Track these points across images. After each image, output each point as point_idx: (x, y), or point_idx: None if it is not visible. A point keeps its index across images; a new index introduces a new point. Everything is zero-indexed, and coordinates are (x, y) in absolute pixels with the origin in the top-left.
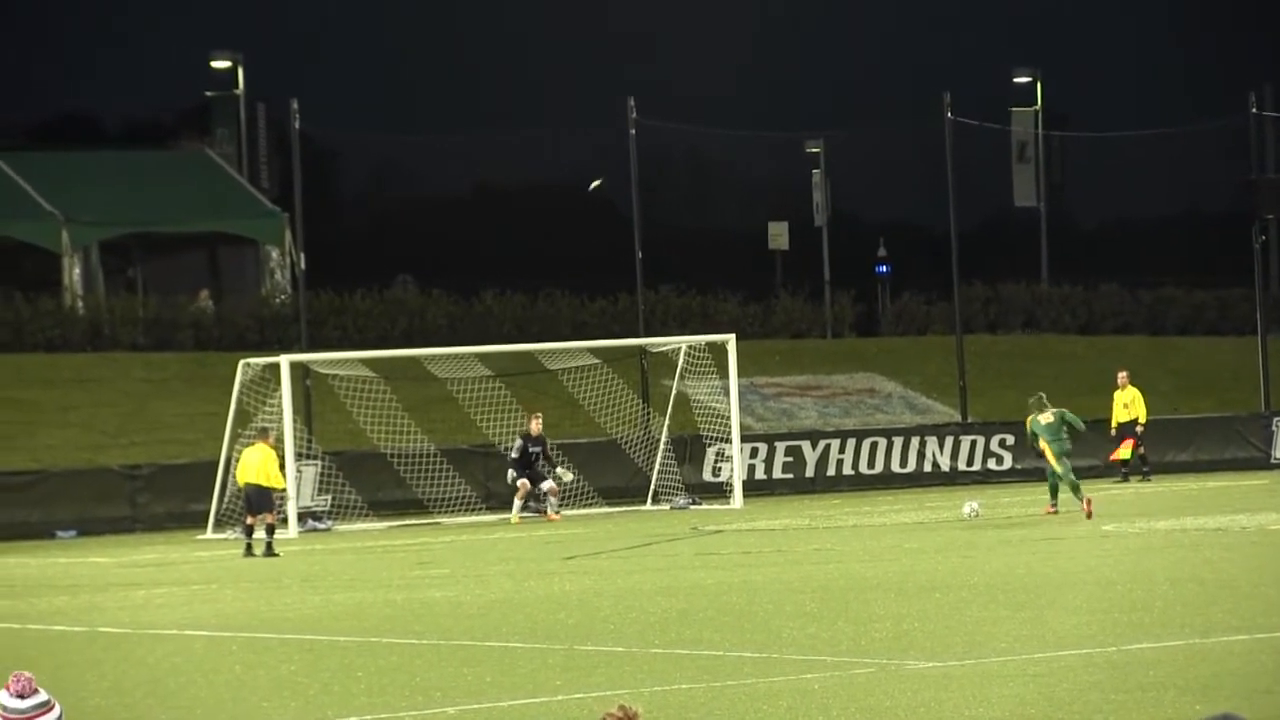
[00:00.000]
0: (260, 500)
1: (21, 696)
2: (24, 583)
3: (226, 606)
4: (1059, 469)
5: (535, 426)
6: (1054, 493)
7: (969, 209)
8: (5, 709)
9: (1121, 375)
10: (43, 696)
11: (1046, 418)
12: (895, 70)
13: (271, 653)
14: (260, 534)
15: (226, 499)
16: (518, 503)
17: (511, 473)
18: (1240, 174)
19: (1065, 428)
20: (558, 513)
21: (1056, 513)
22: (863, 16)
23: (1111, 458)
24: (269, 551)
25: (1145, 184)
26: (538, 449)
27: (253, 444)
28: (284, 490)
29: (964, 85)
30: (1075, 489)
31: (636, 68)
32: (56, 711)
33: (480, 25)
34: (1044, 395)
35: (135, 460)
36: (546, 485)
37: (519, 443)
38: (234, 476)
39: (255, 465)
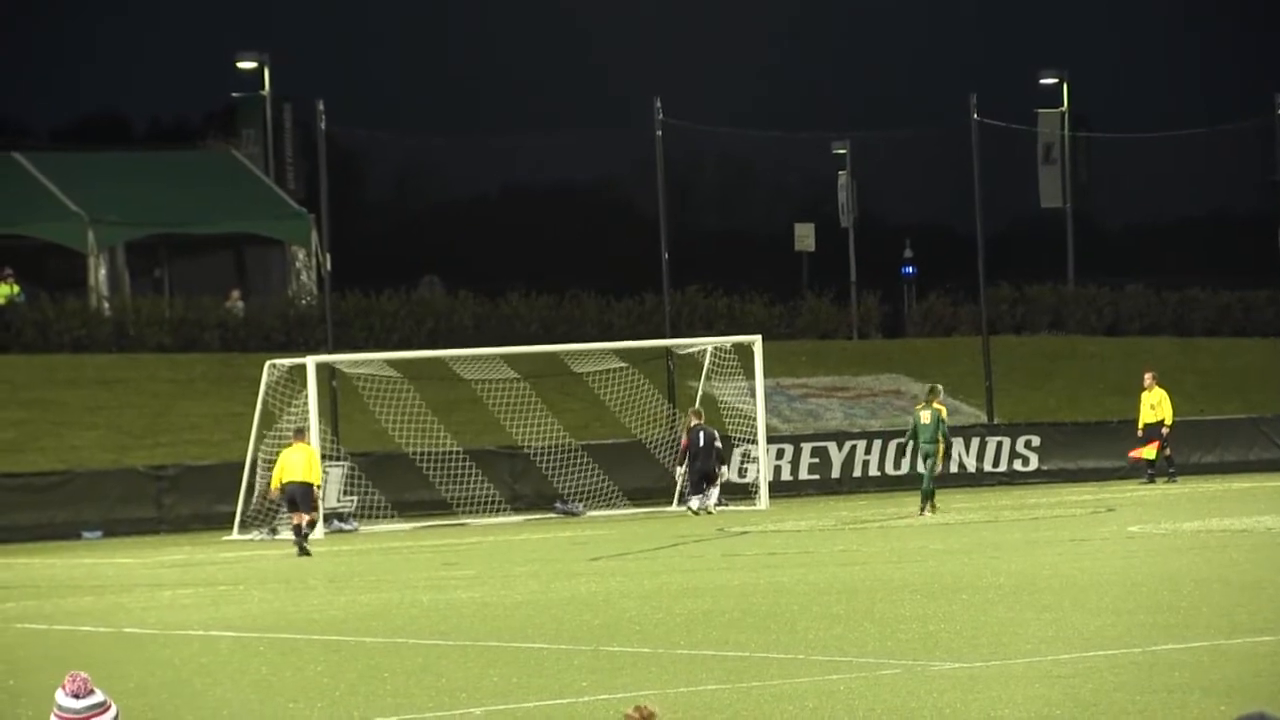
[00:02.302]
0: (306, 498)
1: (77, 696)
2: (50, 583)
3: (253, 607)
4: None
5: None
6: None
7: (995, 210)
8: (61, 709)
9: (1148, 376)
10: (98, 697)
11: (925, 416)
12: (922, 72)
13: (298, 654)
14: (305, 529)
15: (255, 500)
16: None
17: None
18: (1265, 175)
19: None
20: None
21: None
22: (889, 18)
23: (1133, 454)
24: (303, 551)
25: (1171, 185)
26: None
27: (292, 445)
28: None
29: (990, 87)
30: (929, 494)
31: (664, 68)
32: (112, 712)
33: (508, 26)
34: (940, 388)
35: (161, 461)
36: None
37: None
38: (271, 479)
39: (302, 464)
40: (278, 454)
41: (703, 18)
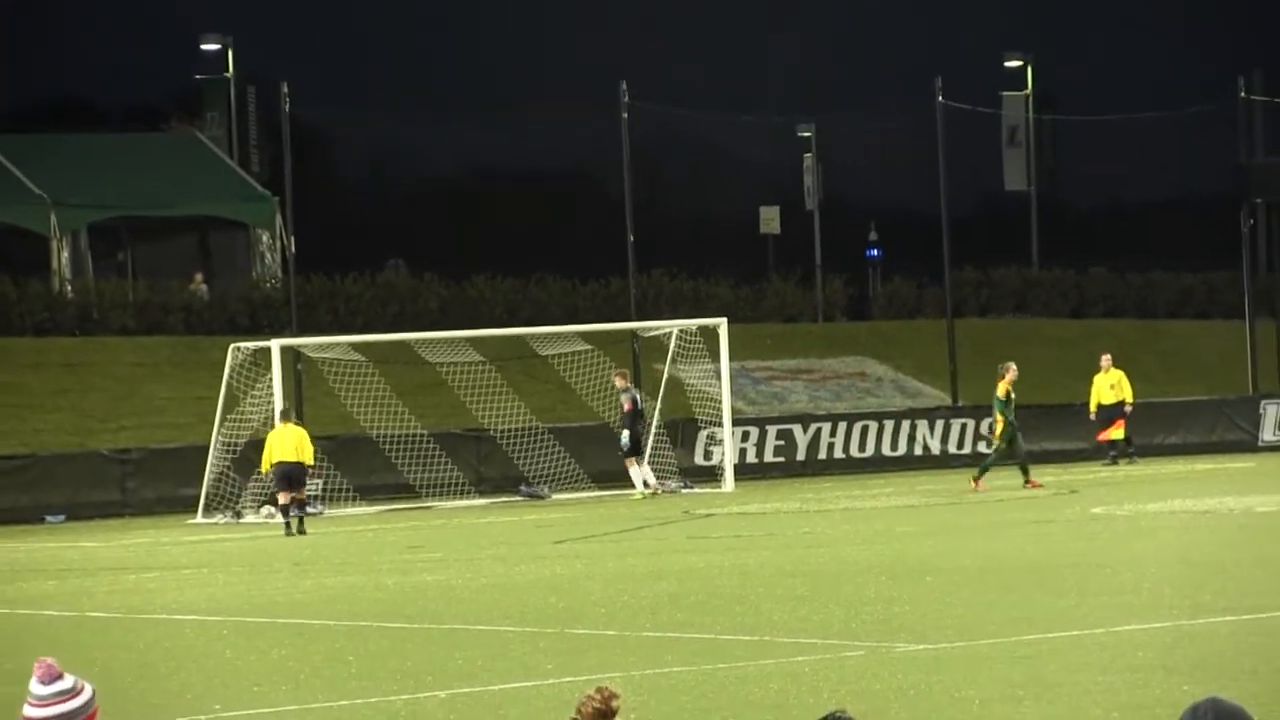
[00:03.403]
0: (298, 477)
1: (43, 683)
2: (13, 567)
3: (217, 591)
4: (1005, 445)
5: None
6: (985, 470)
7: (960, 193)
8: (31, 695)
9: (1105, 358)
10: (66, 682)
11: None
12: (887, 55)
13: (262, 637)
14: (294, 510)
15: (214, 481)
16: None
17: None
18: (1229, 158)
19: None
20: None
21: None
22: (854, 1)
23: (1100, 437)
24: (301, 528)
25: (1135, 168)
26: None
27: (278, 427)
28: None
29: (955, 70)
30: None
31: (630, 51)
32: (85, 695)
33: (473, 8)
34: (1000, 366)
35: (125, 444)
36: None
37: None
38: (261, 460)
39: (292, 443)
40: (252, 436)
41: (669, 0)
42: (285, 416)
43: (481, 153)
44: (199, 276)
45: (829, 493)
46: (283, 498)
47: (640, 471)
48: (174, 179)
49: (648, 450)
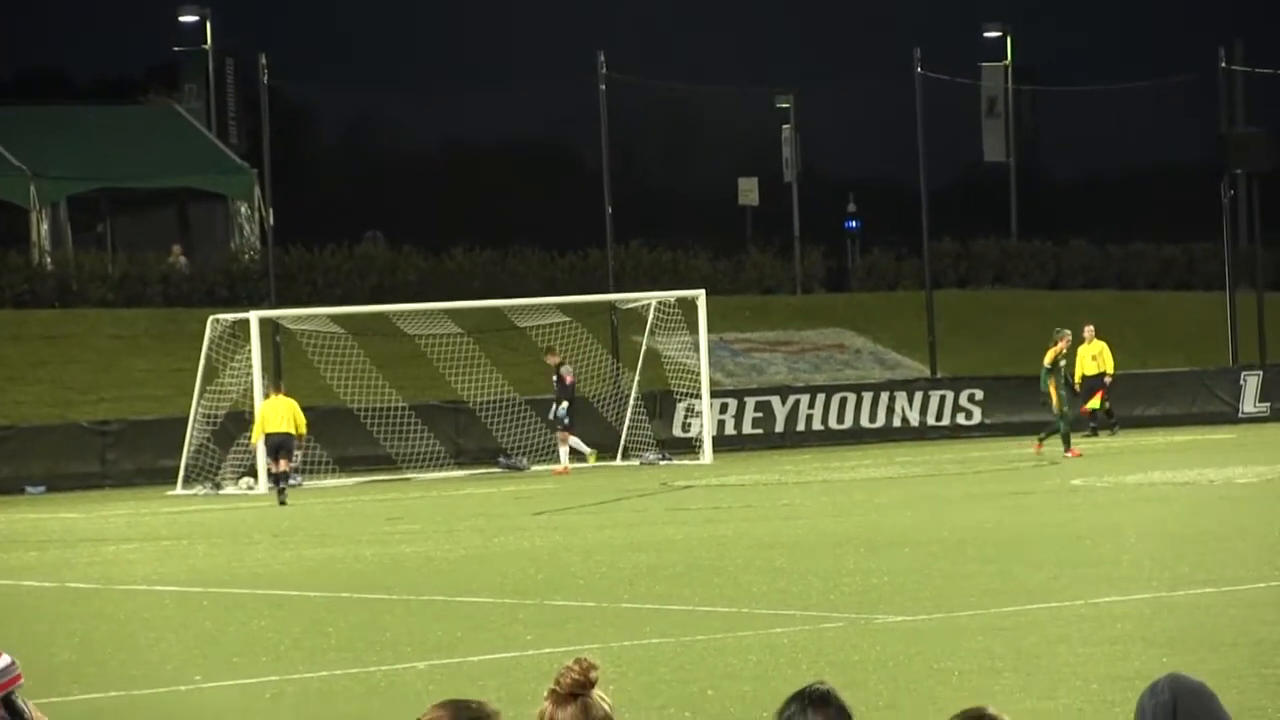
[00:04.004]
0: (288, 447)
1: None
2: None
3: (197, 562)
4: (1065, 410)
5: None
6: (1067, 439)
7: (939, 164)
8: None
9: (1088, 329)
10: None
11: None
12: (865, 25)
13: (242, 608)
14: (281, 481)
15: (193, 453)
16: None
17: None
18: (1210, 128)
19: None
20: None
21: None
22: None
23: (1084, 409)
24: (283, 495)
25: (1115, 138)
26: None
27: (270, 397)
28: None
29: (934, 40)
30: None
31: (608, 22)
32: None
33: None
34: (1056, 332)
35: (105, 416)
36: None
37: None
38: (252, 431)
39: (284, 414)
40: (231, 408)
41: None
42: (276, 387)
43: (460, 125)
44: (177, 249)
45: (807, 464)
46: (276, 467)
47: (570, 444)
48: (153, 151)
49: (627, 421)
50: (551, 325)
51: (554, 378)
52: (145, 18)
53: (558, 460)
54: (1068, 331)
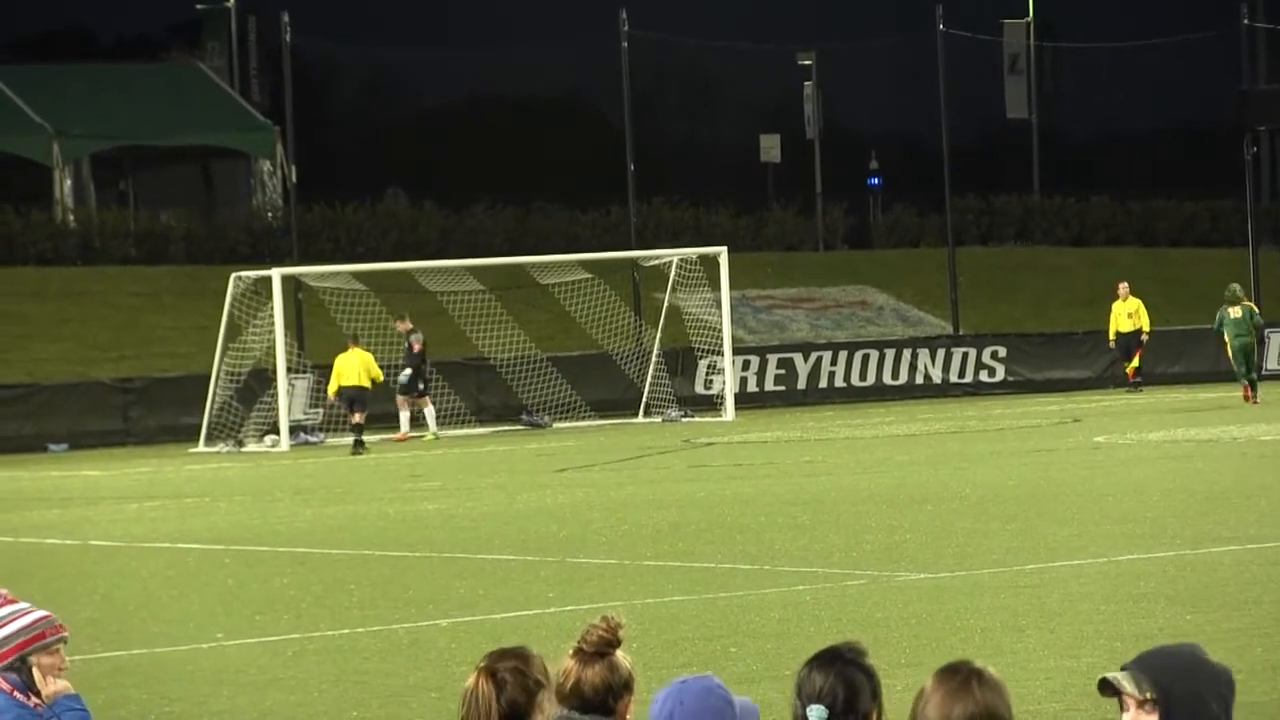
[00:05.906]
0: (361, 399)
1: None
2: (15, 496)
3: (219, 520)
4: (1235, 362)
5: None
6: (1254, 384)
7: (961, 121)
8: None
9: (1123, 286)
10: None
11: (1235, 312)
12: None
13: (264, 565)
14: (354, 433)
15: (216, 411)
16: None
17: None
18: (1232, 85)
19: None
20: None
21: (1256, 402)
22: None
23: (1129, 373)
24: (358, 448)
25: (1137, 95)
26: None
27: (347, 350)
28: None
29: None
30: (1248, 378)
31: None
32: (29, 617)
33: None
34: (1238, 288)
35: (127, 374)
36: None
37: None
38: (328, 385)
39: (356, 367)
40: (254, 365)
41: None
42: (355, 339)
43: (481, 82)
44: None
45: (830, 421)
46: (352, 418)
47: (419, 412)
48: (175, 109)
49: (649, 378)
50: (573, 282)
51: (405, 345)
52: None
53: (478, 425)
54: (1236, 285)
